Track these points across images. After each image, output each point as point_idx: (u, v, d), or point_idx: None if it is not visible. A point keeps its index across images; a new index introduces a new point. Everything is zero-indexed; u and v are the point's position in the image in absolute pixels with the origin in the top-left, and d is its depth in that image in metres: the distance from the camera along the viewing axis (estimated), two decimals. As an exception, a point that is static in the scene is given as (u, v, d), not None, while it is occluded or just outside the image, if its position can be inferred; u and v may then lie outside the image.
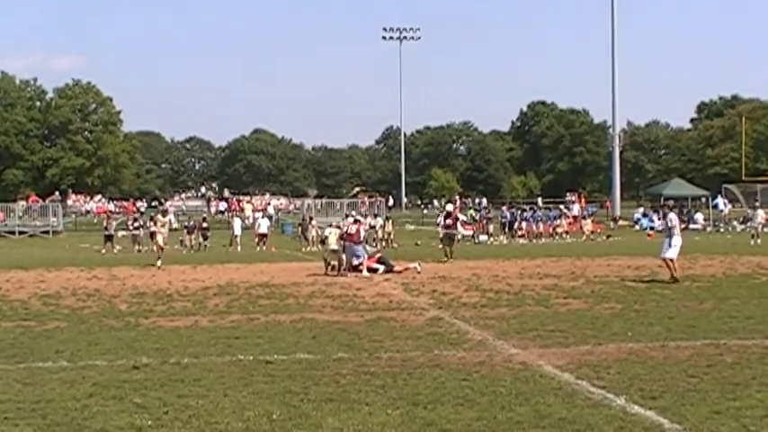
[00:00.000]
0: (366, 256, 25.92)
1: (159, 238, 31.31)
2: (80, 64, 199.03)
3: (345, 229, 26.74)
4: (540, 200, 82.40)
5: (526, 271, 25.70)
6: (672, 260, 21.77)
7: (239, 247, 42.31)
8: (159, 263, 28.99)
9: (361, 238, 26.90)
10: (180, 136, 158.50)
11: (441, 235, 33.93)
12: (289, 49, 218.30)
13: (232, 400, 9.36)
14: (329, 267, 25.69)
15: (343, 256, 25.44)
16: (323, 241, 27.18)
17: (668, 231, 22.32)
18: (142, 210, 72.63)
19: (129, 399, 9.45)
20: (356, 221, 27.63)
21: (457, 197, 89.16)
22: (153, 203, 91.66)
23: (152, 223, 34.80)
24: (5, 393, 9.82)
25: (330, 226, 29.09)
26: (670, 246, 21.90)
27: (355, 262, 25.46)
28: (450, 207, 37.40)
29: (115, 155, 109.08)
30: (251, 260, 32.37)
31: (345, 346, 12.74)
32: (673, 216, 22.67)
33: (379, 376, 10.49)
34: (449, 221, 33.32)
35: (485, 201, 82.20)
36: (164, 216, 33.69)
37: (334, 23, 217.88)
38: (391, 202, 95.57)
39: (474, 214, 54.85)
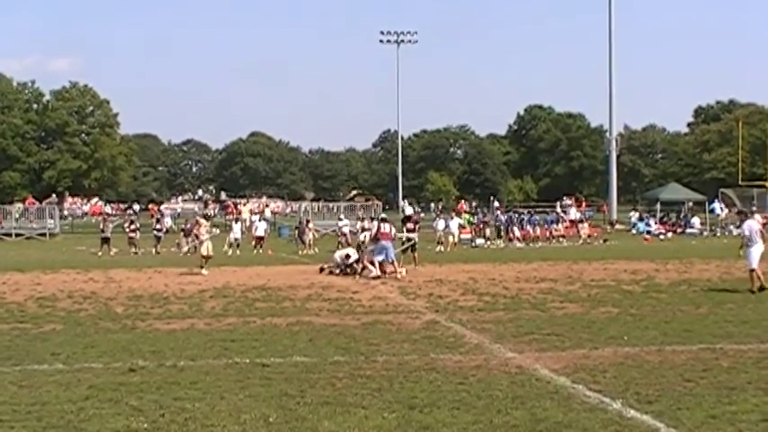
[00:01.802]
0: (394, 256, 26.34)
1: (204, 247, 28.23)
2: (77, 66, 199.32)
3: (376, 228, 27.28)
4: (558, 203, 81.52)
5: (523, 275, 25.70)
6: (753, 270, 20.66)
7: (238, 251, 42.20)
8: (205, 271, 27.03)
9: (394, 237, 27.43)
10: (177, 138, 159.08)
11: (403, 240, 30.33)
12: (286, 52, 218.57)
13: (228, 402, 9.37)
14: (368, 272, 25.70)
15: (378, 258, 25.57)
16: (359, 247, 27.64)
17: (746, 240, 21.40)
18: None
19: (125, 401, 9.46)
20: (384, 220, 27.80)
21: (464, 200, 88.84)
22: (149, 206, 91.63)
23: (197, 228, 30.46)
24: (1, 396, 9.82)
25: (364, 230, 29.57)
26: (751, 255, 20.88)
27: (379, 258, 25.51)
28: (409, 210, 34.53)
29: (112, 157, 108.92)
30: (247, 263, 32.35)
31: (342, 349, 12.75)
32: (748, 224, 21.73)
33: (375, 379, 10.50)
34: (409, 225, 30.87)
35: (497, 203, 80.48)
36: (207, 220, 30.90)
37: (331, 27, 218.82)
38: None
39: (470, 218, 54.71)
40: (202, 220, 31.17)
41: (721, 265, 28.46)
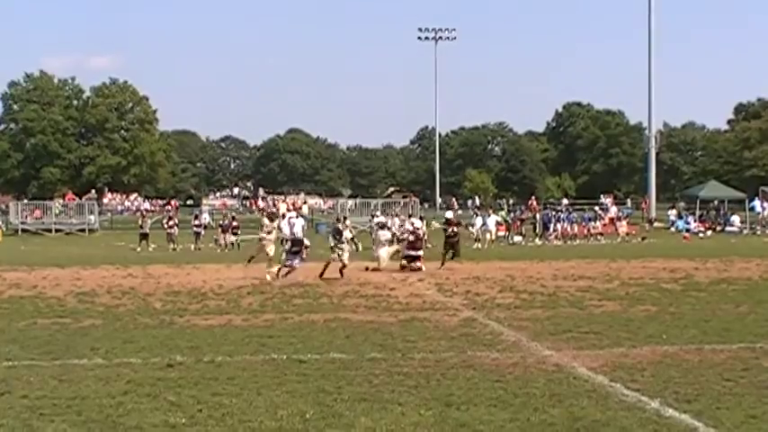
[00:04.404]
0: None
1: (268, 248, 27.03)
2: (117, 63, 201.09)
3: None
4: (605, 197, 79.66)
5: (560, 272, 25.58)
6: None
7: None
8: (270, 273, 24.91)
9: None
10: (215, 135, 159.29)
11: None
12: (324, 48, 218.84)
13: (265, 398, 9.41)
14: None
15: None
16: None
17: None
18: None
19: (163, 396, 9.53)
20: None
21: (534, 200, 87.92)
22: (187, 202, 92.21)
23: (262, 228, 28.03)
24: (41, 390, 9.92)
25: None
26: None
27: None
28: (449, 214, 33.02)
29: (151, 153, 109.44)
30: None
31: (379, 345, 12.76)
32: None
33: (412, 376, 10.50)
34: (453, 230, 29.44)
35: (565, 201, 78.46)
36: (271, 221, 28.43)
37: (369, 24, 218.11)
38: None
39: (505, 216, 54.39)
40: (265, 220, 29.21)
41: (762, 263, 28.18)
